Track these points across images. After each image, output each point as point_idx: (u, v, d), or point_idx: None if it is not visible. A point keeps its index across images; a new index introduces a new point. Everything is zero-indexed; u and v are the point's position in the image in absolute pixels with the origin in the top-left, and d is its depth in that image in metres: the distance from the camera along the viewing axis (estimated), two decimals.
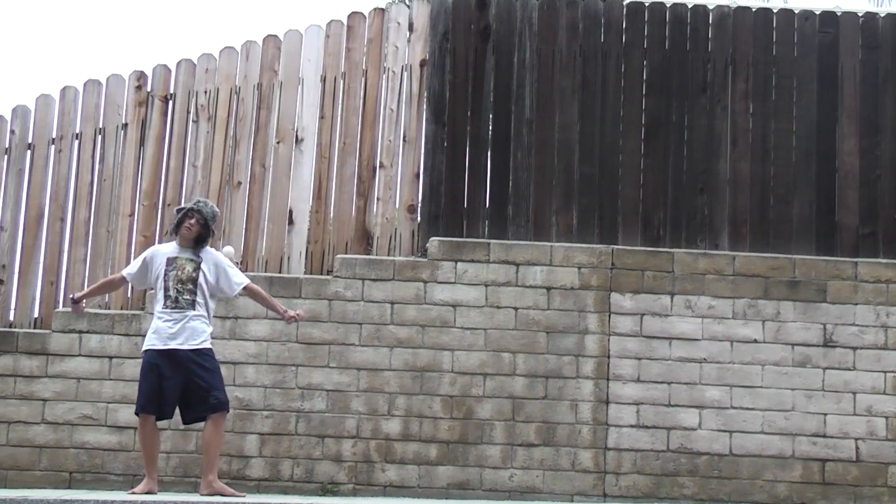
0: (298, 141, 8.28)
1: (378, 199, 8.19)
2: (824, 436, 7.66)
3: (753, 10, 8.36)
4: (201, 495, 6.55)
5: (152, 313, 6.83)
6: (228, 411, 6.68)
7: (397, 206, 8.23)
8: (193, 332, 6.56)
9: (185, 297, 6.59)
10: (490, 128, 8.22)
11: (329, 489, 7.54)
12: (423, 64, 8.29)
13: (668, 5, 8.27)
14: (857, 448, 7.65)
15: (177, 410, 6.61)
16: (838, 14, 8.28)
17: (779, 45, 8.25)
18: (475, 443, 7.63)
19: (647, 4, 8.27)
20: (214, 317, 6.91)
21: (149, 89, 8.36)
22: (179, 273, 6.62)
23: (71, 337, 7.71)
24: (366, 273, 7.81)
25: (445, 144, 8.14)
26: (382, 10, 8.58)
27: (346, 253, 8.04)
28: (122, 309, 7.98)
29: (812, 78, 8.19)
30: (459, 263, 7.83)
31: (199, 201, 6.83)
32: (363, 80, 8.34)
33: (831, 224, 8.04)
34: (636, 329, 7.76)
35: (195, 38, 30.64)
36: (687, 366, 7.73)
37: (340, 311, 7.75)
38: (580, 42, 8.23)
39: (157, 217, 8.22)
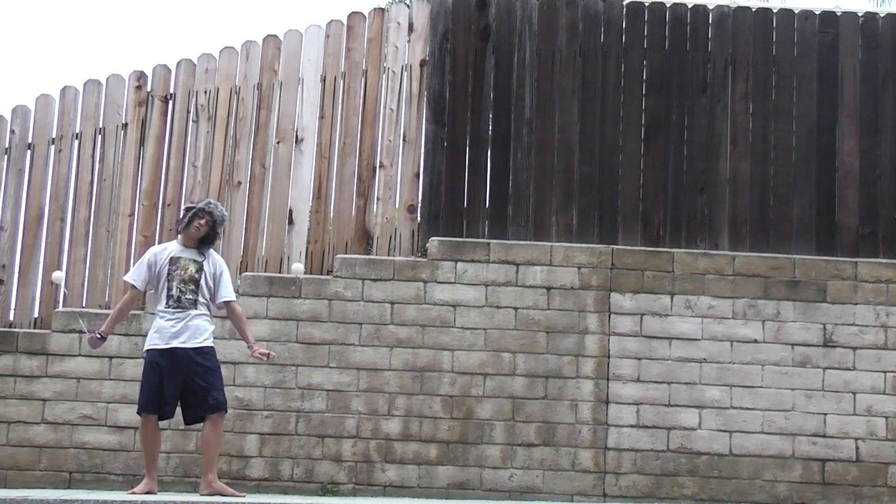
0: (298, 141, 8.28)
1: (378, 199, 8.20)
2: (824, 436, 7.66)
3: (753, 10, 8.36)
4: (201, 495, 6.56)
5: (153, 313, 6.84)
6: (226, 412, 6.68)
7: (397, 206, 8.23)
8: (196, 330, 6.58)
9: (187, 296, 6.61)
10: (490, 128, 8.22)
11: (329, 489, 7.54)
12: (423, 64, 8.29)
13: (668, 5, 8.27)
14: (857, 448, 7.65)
15: (178, 411, 6.62)
16: (838, 14, 8.28)
17: (779, 45, 8.25)
18: (475, 443, 7.63)
19: (647, 4, 8.27)
20: (214, 316, 6.92)
21: (149, 89, 8.36)
22: (182, 273, 6.63)
23: (71, 337, 7.71)
24: (366, 273, 7.81)
25: (445, 144, 8.14)
26: (382, 10, 8.58)
27: (346, 253, 8.04)
28: None
29: (812, 78, 8.19)
30: (459, 263, 7.83)
31: (210, 203, 6.84)
32: (363, 80, 8.34)
33: (831, 224, 8.04)
34: (636, 329, 7.76)
35: (195, 38, 30.66)
36: (687, 366, 7.73)
37: (340, 311, 7.75)
38: (580, 42, 8.23)
39: (157, 217, 8.22)
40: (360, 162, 8.23)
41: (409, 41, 8.37)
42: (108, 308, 7.97)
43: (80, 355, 7.68)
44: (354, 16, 8.43)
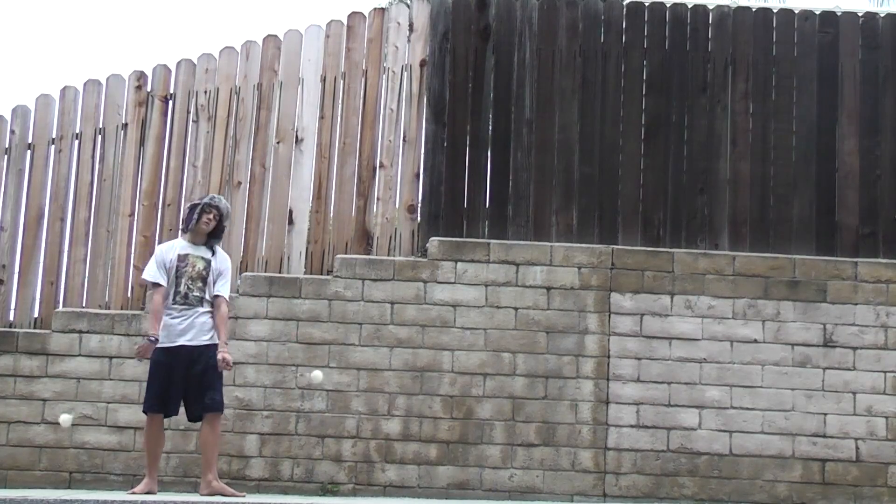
0: (298, 141, 8.28)
1: (378, 199, 8.19)
2: (824, 436, 7.66)
3: (753, 10, 8.36)
4: (201, 495, 6.56)
5: None
6: (222, 412, 6.69)
7: (397, 206, 8.22)
8: (202, 327, 6.62)
9: (195, 293, 6.65)
10: (490, 128, 8.21)
11: (329, 489, 7.54)
12: (423, 64, 8.29)
13: (668, 5, 8.27)
14: (857, 448, 7.65)
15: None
16: (838, 14, 8.28)
17: (779, 45, 8.24)
18: (475, 443, 7.63)
19: (647, 4, 8.26)
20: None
21: (149, 89, 8.36)
22: (191, 270, 6.68)
23: (71, 337, 7.71)
24: (366, 273, 7.81)
25: (445, 144, 8.14)
26: (382, 10, 8.58)
27: (346, 253, 8.04)
28: (121, 309, 7.98)
29: (812, 78, 8.19)
30: (459, 263, 7.83)
31: (213, 197, 6.91)
32: (363, 80, 8.34)
33: (831, 224, 8.04)
34: (636, 329, 7.76)
35: (195, 38, 30.66)
36: (687, 366, 7.73)
37: (340, 311, 7.75)
38: (580, 42, 8.23)
39: (157, 217, 8.22)
40: (360, 162, 8.23)
41: (409, 41, 8.37)
42: (108, 308, 7.98)
43: (80, 355, 7.68)
44: (354, 16, 8.43)
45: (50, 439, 7.59)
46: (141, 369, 7.47)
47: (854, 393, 7.71)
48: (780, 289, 7.82)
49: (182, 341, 6.56)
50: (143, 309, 7.80)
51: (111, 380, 7.65)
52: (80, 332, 7.70)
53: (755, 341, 7.76)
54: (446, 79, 8.20)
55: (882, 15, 8.46)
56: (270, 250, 8.13)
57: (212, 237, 6.80)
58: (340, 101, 8.31)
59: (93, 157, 8.30)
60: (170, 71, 8.40)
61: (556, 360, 7.71)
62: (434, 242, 7.89)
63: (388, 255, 8.04)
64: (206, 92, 8.33)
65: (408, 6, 8.75)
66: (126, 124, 8.34)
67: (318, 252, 8.12)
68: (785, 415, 7.67)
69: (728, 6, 8.31)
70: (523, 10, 8.25)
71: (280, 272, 8.02)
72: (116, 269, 8.10)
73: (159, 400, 6.55)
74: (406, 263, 7.85)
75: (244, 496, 6.62)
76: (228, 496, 6.51)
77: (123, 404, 7.58)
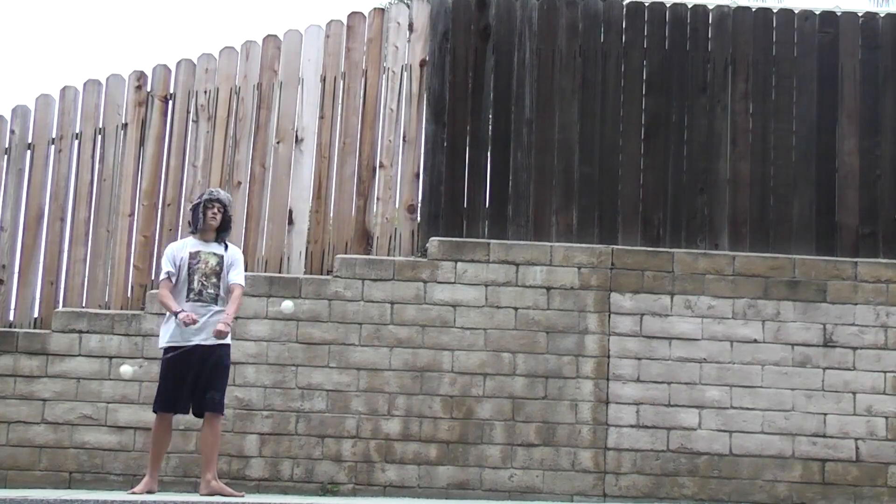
0: (298, 141, 8.28)
1: (378, 199, 8.20)
2: (824, 436, 7.66)
3: (753, 10, 8.36)
4: (201, 495, 6.57)
5: (153, 313, 6.83)
6: (222, 414, 6.70)
7: (397, 206, 8.23)
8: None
9: (209, 290, 6.67)
10: (490, 128, 8.22)
11: (329, 489, 7.54)
12: (423, 64, 8.29)
13: (668, 5, 8.27)
14: (857, 448, 7.65)
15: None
16: (838, 14, 8.28)
17: (779, 45, 8.25)
18: (475, 443, 7.63)
19: (647, 4, 8.27)
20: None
21: (149, 89, 8.36)
22: (204, 267, 6.70)
23: (71, 337, 7.71)
24: (366, 273, 7.81)
25: (445, 144, 8.14)
26: (382, 10, 8.58)
27: (346, 253, 8.04)
28: (121, 309, 7.98)
29: (812, 78, 8.19)
30: (459, 263, 7.83)
31: (212, 191, 6.94)
32: (363, 79, 8.34)
33: (831, 224, 8.04)
34: (636, 329, 7.76)
35: (195, 38, 30.66)
36: (687, 366, 7.73)
37: (340, 311, 7.75)
38: (580, 42, 8.23)
39: (157, 217, 8.22)
40: (360, 162, 8.23)
41: (409, 41, 8.37)
42: (108, 308, 7.98)
43: (80, 355, 7.68)
44: (354, 16, 8.43)
45: (50, 439, 7.59)
46: (142, 370, 7.48)
47: (854, 393, 7.71)
48: (780, 289, 7.82)
49: (197, 340, 6.57)
50: (143, 309, 7.80)
51: (111, 380, 7.65)
52: (80, 332, 7.70)
53: (755, 341, 7.76)
54: (446, 79, 8.20)
55: (882, 15, 8.46)
56: (270, 250, 8.13)
57: (221, 231, 6.84)
58: (340, 101, 8.31)
59: (93, 156, 8.30)
60: (170, 71, 8.40)
61: (556, 360, 7.71)
62: (434, 242, 7.89)
63: (388, 255, 8.04)
64: (206, 92, 8.34)
65: (408, 6, 8.75)
66: (126, 124, 8.34)
67: (318, 252, 8.12)
68: (785, 415, 7.68)
69: (728, 6, 8.31)
70: (523, 10, 8.26)
71: (280, 272, 8.02)
72: (116, 269, 8.10)
73: (171, 399, 6.57)
74: (406, 263, 7.85)
75: (244, 496, 6.63)
76: (228, 496, 6.52)
77: (123, 404, 7.58)
